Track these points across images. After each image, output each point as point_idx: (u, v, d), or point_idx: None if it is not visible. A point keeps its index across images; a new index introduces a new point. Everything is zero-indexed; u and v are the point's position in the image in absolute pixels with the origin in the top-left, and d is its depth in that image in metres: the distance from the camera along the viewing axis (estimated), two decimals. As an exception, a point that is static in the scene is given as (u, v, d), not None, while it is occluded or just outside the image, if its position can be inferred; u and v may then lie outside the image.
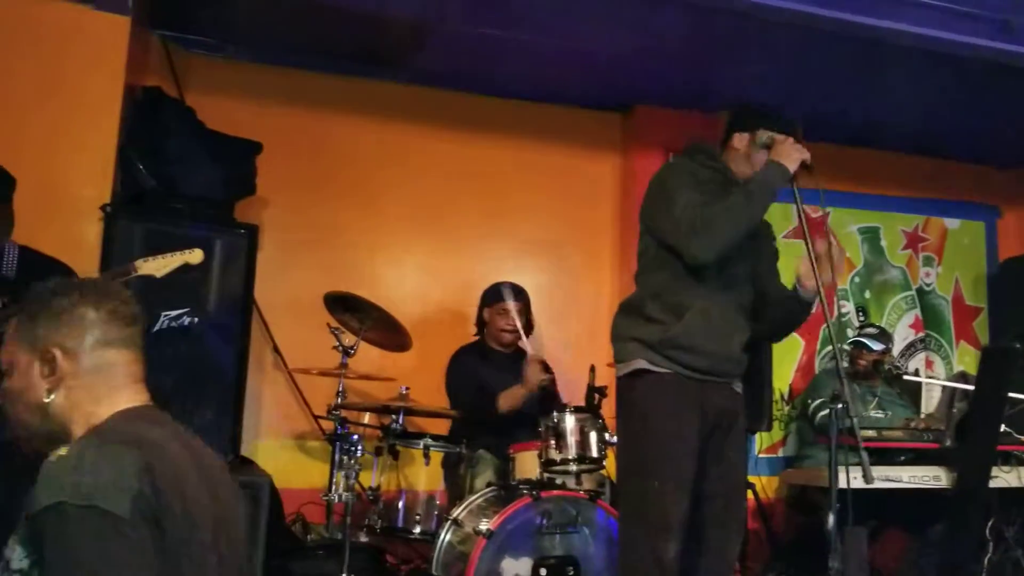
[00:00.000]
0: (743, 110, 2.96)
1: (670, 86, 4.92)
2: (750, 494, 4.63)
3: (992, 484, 3.94)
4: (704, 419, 2.73)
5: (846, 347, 5.02)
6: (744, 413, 2.89)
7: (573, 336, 5.01)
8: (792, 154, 2.68)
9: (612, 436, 3.82)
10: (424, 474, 3.77)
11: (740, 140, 2.87)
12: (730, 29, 4.12)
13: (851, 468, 2.71)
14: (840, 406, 2.61)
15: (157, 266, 2.81)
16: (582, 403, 3.91)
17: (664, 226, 2.76)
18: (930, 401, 5.29)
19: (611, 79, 4.89)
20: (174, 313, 3.43)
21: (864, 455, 2.44)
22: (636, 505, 2.73)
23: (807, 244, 2.69)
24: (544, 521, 3.38)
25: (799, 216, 2.69)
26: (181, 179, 3.75)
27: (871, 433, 4.18)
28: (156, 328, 3.41)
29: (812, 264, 2.67)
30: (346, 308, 3.92)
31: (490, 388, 4.09)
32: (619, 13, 4.03)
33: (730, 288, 2.80)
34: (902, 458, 4.15)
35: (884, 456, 4.19)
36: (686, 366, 2.72)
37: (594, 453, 3.60)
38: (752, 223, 2.71)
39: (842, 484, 3.70)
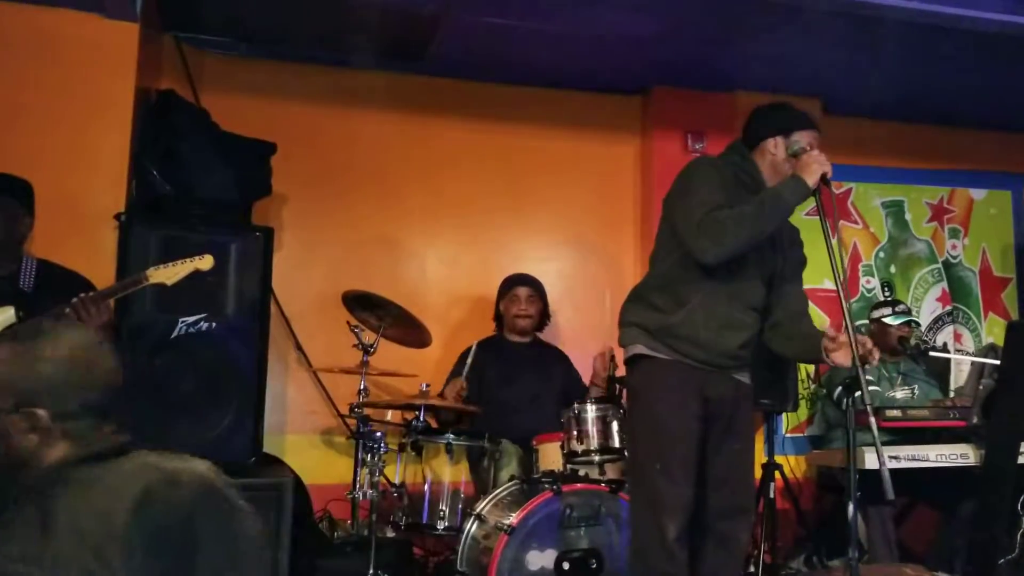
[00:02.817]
0: (776, 111, 2.95)
1: (687, 67, 4.86)
2: (778, 474, 4.63)
3: (1022, 460, 3.90)
4: (705, 405, 2.77)
5: (868, 323, 4.97)
6: (750, 402, 2.92)
7: (596, 323, 5.00)
8: (815, 168, 2.67)
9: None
10: (448, 468, 3.79)
11: (776, 145, 2.86)
12: (746, 8, 4.06)
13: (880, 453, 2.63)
14: (857, 394, 2.59)
15: (168, 274, 2.84)
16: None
17: (678, 218, 2.80)
18: (959, 375, 5.22)
19: (628, 62, 4.84)
20: (192, 319, 3.44)
21: (885, 472, 2.41)
22: (640, 488, 2.83)
23: (836, 278, 2.65)
24: (567, 514, 3.38)
25: (825, 236, 2.65)
26: (195, 184, 3.77)
27: (896, 413, 4.15)
28: (174, 335, 3.43)
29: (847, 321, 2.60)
30: (365, 306, 3.94)
31: (493, 383, 4.12)
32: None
33: (739, 285, 2.79)
34: (929, 434, 4.13)
35: (911, 435, 4.16)
36: (684, 355, 2.76)
37: (616, 443, 3.61)
38: (760, 235, 2.72)
39: (869, 465, 3.71)
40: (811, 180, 2.66)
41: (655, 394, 2.79)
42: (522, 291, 4.37)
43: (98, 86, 3.78)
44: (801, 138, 2.82)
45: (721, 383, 2.82)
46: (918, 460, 4.01)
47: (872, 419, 2.52)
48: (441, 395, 4.07)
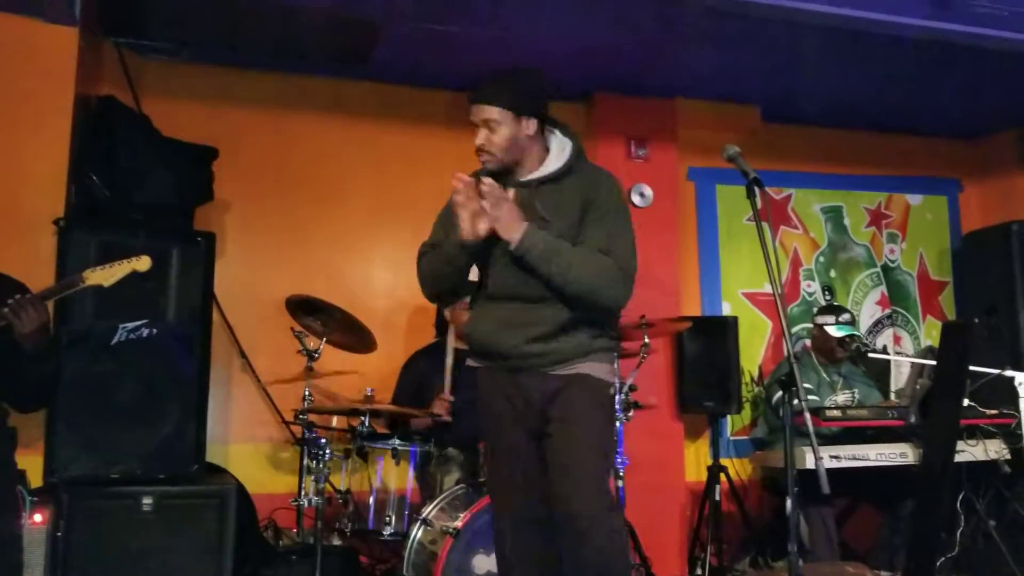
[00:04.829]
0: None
1: (629, 75, 4.91)
2: (723, 477, 4.69)
3: (959, 458, 4.00)
4: (516, 406, 2.69)
5: (809, 328, 5.05)
6: (577, 393, 2.63)
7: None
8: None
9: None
10: (395, 474, 3.78)
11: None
12: (687, 17, 4.12)
13: (816, 450, 2.68)
14: (792, 395, 2.64)
15: (105, 275, 2.81)
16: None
17: None
18: (899, 377, 5.33)
19: (571, 69, 4.87)
20: (132, 325, 3.40)
21: (821, 465, 2.48)
22: None
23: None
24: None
25: (761, 240, 2.66)
26: (136, 189, 3.73)
27: (836, 413, 4.22)
28: (115, 341, 3.39)
29: None
30: (309, 311, 3.92)
31: (431, 392, 4.11)
32: (575, 4, 4.02)
33: (511, 284, 2.68)
34: (869, 434, 4.21)
35: (851, 435, 4.24)
36: (482, 360, 2.79)
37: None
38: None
39: (809, 465, 3.77)
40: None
41: (480, 401, 2.81)
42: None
43: (36, 91, 3.72)
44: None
45: (537, 381, 2.66)
46: (859, 459, 4.08)
47: (807, 415, 2.57)
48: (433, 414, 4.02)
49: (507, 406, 2.71)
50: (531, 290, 2.63)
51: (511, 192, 2.66)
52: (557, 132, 2.79)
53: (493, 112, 2.66)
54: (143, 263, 2.85)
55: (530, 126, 2.68)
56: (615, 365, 2.77)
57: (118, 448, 3.37)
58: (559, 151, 2.75)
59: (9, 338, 2.76)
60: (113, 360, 3.40)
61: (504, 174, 2.72)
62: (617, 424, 4.05)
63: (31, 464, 3.21)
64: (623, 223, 2.71)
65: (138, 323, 3.42)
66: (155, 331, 3.46)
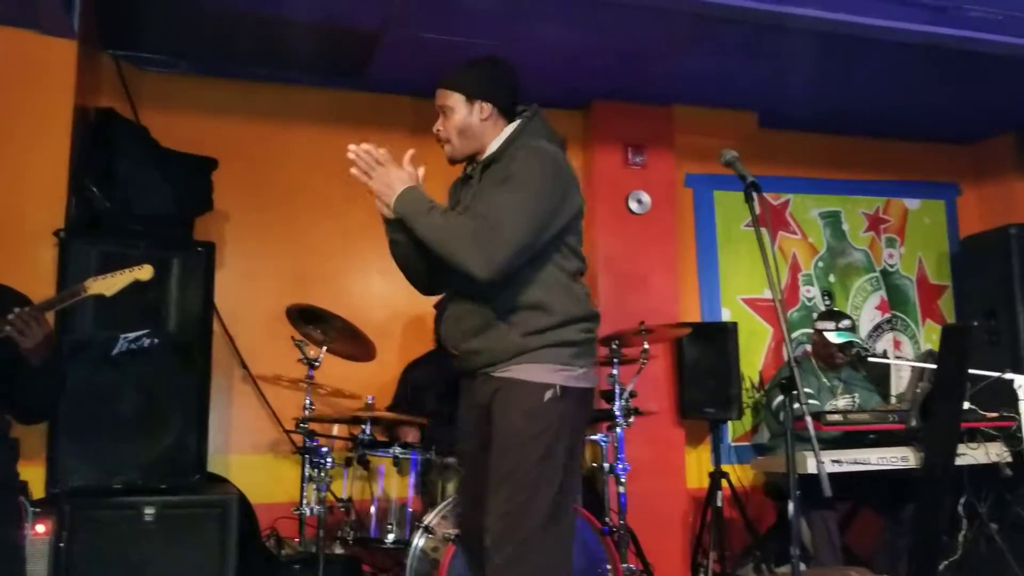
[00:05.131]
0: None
1: (626, 82, 4.93)
2: (725, 483, 4.69)
3: (960, 461, 3.99)
4: (472, 412, 2.58)
5: (808, 333, 5.06)
6: (503, 401, 2.45)
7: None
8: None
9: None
10: (396, 482, 3.78)
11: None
12: (683, 24, 4.14)
13: (817, 453, 2.68)
14: (793, 399, 2.65)
15: (107, 285, 2.80)
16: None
17: None
18: (900, 382, 5.35)
19: (569, 77, 4.90)
20: (133, 335, 3.41)
21: (823, 468, 2.48)
22: None
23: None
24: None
25: (760, 245, 2.68)
26: (135, 200, 3.74)
27: (836, 417, 4.22)
28: (116, 351, 3.40)
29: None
30: (309, 320, 3.93)
31: (436, 398, 4.12)
32: (570, 13, 4.04)
33: (453, 279, 2.56)
34: (870, 438, 4.21)
35: (853, 440, 4.25)
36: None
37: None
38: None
39: (811, 469, 3.77)
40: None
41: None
42: None
43: (36, 104, 3.72)
44: None
45: (483, 385, 2.52)
46: (860, 464, 4.07)
47: (808, 419, 2.57)
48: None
49: (466, 413, 2.62)
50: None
51: (408, 166, 2.62)
52: (519, 119, 2.68)
53: (446, 97, 2.65)
54: (145, 272, 2.84)
55: (483, 110, 2.62)
56: (575, 365, 2.47)
57: (120, 458, 3.37)
58: (505, 135, 2.65)
59: (12, 350, 2.76)
60: (114, 370, 3.41)
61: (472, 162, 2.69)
62: (596, 431, 4.08)
63: (33, 475, 3.22)
64: (518, 191, 2.42)
65: (139, 333, 3.43)
66: (156, 341, 3.48)
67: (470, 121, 2.63)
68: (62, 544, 3.16)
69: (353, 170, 2.59)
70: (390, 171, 2.58)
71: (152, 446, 3.42)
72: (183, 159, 4.09)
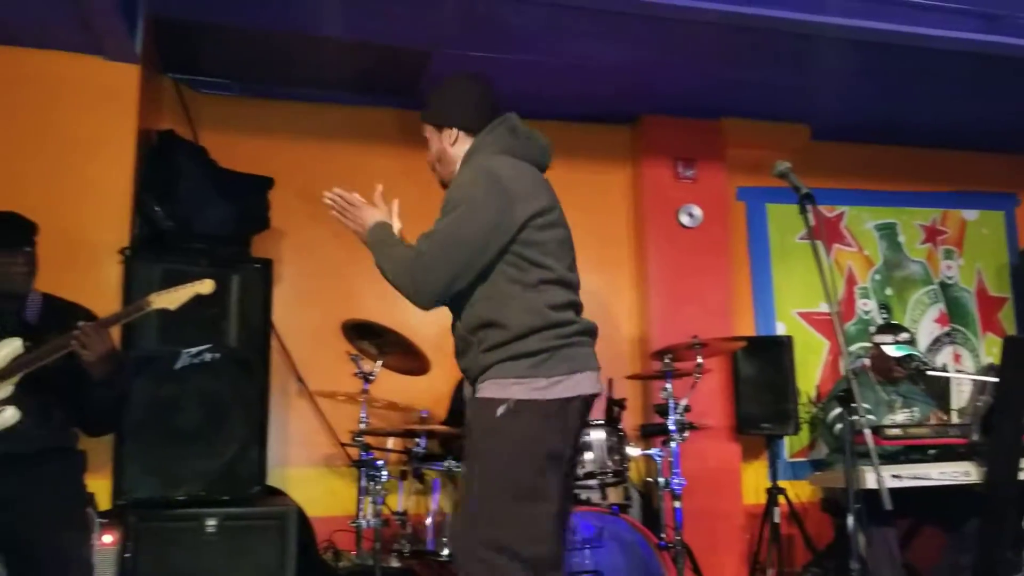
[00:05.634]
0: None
1: (676, 96, 4.94)
2: (782, 499, 4.64)
3: (1023, 476, 3.91)
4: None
5: (866, 347, 4.99)
6: (478, 419, 2.46)
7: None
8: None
9: (634, 448, 3.85)
10: (451, 495, 3.80)
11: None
12: (731, 37, 4.13)
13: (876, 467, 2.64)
14: (851, 412, 2.62)
15: (170, 299, 2.88)
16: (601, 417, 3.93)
17: None
18: (960, 396, 5.25)
19: (617, 92, 4.92)
20: (195, 350, 3.50)
21: (883, 481, 2.44)
22: None
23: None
24: (568, 536, 3.38)
25: (816, 258, 2.67)
26: (196, 218, 3.83)
27: (896, 431, 4.16)
28: (179, 365, 3.48)
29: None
30: (363, 334, 3.98)
31: None
32: (616, 29, 4.06)
33: None
34: (930, 453, 4.14)
35: (912, 454, 4.17)
36: None
37: (615, 466, 3.63)
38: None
39: (870, 484, 3.72)
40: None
41: None
42: None
43: (101, 126, 3.86)
44: None
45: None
46: (920, 479, 4.00)
47: (867, 433, 2.55)
48: None
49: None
50: None
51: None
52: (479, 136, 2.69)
53: (423, 129, 2.75)
54: (206, 286, 2.91)
55: (451, 136, 2.67)
56: (537, 375, 2.39)
57: (182, 471, 3.45)
58: (459, 157, 2.69)
59: (78, 364, 2.85)
60: (177, 384, 3.50)
61: None
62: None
63: (100, 487, 3.31)
64: (449, 215, 2.48)
65: (201, 348, 3.52)
66: (217, 355, 3.56)
67: (443, 148, 2.71)
68: (128, 554, 3.24)
69: (332, 212, 2.71)
70: (363, 211, 2.69)
71: (214, 459, 3.50)
72: (241, 178, 4.18)
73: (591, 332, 2.58)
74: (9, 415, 2.77)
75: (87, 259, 3.68)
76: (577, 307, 2.60)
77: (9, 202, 3.18)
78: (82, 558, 2.85)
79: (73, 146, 3.81)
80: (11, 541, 2.77)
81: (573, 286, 2.61)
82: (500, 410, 2.36)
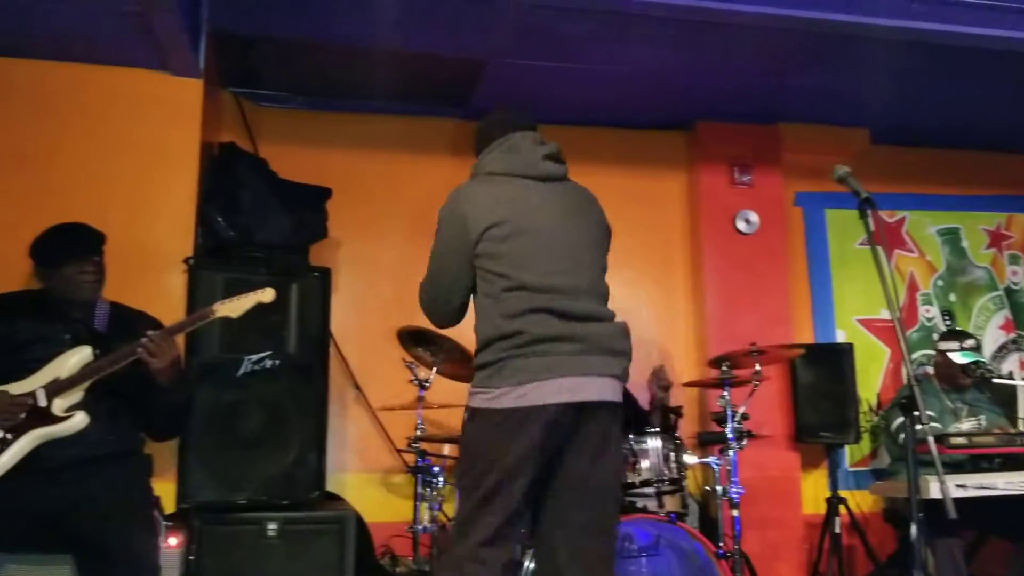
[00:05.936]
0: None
1: (731, 101, 4.90)
2: (843, 509, 4.57)
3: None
4: None
5: (928, 354, 4.89)
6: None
7: (647, 355, 4.98)
8: None
9: (691, 456, 3.82)
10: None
11: None
12: (789, 41, 4.10)
13: (941, 476, 2.59)
14: (914, 420, 2.57)
15: (233, 308, 2.96)
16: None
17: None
18: (1027, 404, 5.12)
19: (672, 98, 4.91)
20: (256, 356, 3.57)
21: (947, 490, 2.39)
22: None
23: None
24: (626, 545, 3.38)
25: (877, 264, 2.65)
26: (257, 228, 3.91)
27: (961, 440, 4.06)
28: (240, 372, 3.55)
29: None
30: (419, 342, 4.02)
31: None
32: (670, 36, 4.06)
33: None
34: (996, 462, 4.04)
35: (977, 463, 4.08)
36: None
37: (672, 474, 3.61)
38: None
39: (934, 494, 3.64)
40: None
41: None
42: None
43: (166, 139, 3.96)
44: None
45: None
46: (986, 488, 3.91)
47: (931, 441, 2.51)
48: None
49: None
50: None
51: None
52: None
53: None
54: (268, 295, 2.99)
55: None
56: (490, 386, 2.47)
57: (244, 475, 3.51)
58: None
59: (145, 371, 2.93)
60: (239, 390, 3.56)
61: None
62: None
63: (165, 490, 3.38)
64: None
65: (262, 355, 3.59)
66: (277, 362, 3.62)
67: None
68: (192, 557, 3.31)
69: None
70: None
71: (274, 463, 3.55)
72: (300, 189, 4.25)
73: (561, 338, 2.49)
74: (79, 420, 2.86)
75: (153, 268, 3.77)
76: (555, 311, 2.51)
77: (81, 212, 3.29)
78: (151, 559, 2.91)
79: (139, 158, 3.92)
80: (82, 542, 2.85)
81: (552, 290, 2.54)
82: (465, 417, 2.59)
